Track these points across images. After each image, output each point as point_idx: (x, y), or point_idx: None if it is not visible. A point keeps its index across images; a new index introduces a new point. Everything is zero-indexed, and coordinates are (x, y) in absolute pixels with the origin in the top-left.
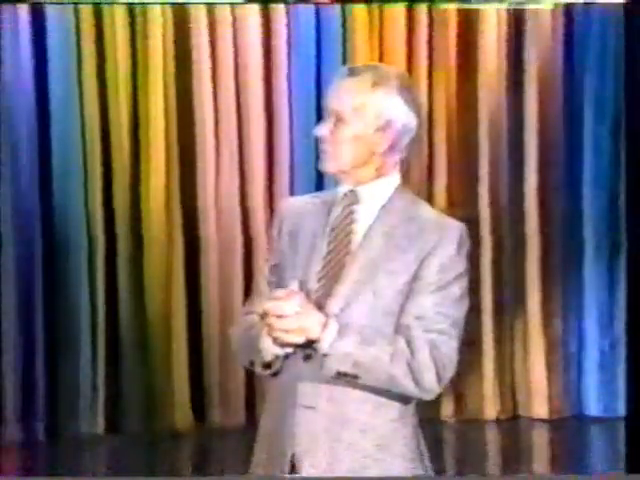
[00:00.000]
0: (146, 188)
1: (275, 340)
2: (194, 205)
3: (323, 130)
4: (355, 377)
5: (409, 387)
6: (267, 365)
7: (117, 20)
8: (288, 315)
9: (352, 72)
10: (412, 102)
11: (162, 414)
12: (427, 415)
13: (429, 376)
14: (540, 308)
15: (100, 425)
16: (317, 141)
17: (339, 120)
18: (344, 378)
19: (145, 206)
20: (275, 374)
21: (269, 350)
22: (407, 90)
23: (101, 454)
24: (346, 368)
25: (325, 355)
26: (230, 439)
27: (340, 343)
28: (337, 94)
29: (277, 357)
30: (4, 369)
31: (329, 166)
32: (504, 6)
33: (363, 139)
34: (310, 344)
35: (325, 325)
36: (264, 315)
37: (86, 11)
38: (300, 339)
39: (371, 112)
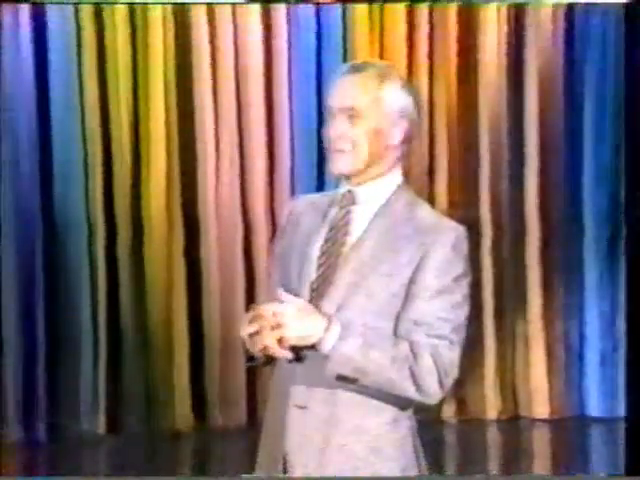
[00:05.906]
0: (146, 189)
1: (278, 343)
2: (194, 206)
3: (339, 129)
4: (355, 380)
5: (410, 391)
6: (251, 358)
7: (117, 20)
8: (286, 323)
9: (356, 69)
10: (414, 95)
11: (163, 414)
12: (428, 416)
13: (431, 381)
14: (541, 308)
15: (101, 425)
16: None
17: (355, 117)
18: (344, 381)
19: (146, 207)
20: (265, 364)
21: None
22: (408, 83)
23: (102, 454)
24: (347, 371)
25: (326, 357)
26: (230, 439)
27: (342, 346)
28: (345, 91)
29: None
30: (5, 369)
31: (345, 165)
32: (505, 5)
33: (381, 132)
34: (306, 346)
35: (327, 327)
36: (259, 317)
37: (86, 11)
38: (301, 343)
39: (385, 105)
